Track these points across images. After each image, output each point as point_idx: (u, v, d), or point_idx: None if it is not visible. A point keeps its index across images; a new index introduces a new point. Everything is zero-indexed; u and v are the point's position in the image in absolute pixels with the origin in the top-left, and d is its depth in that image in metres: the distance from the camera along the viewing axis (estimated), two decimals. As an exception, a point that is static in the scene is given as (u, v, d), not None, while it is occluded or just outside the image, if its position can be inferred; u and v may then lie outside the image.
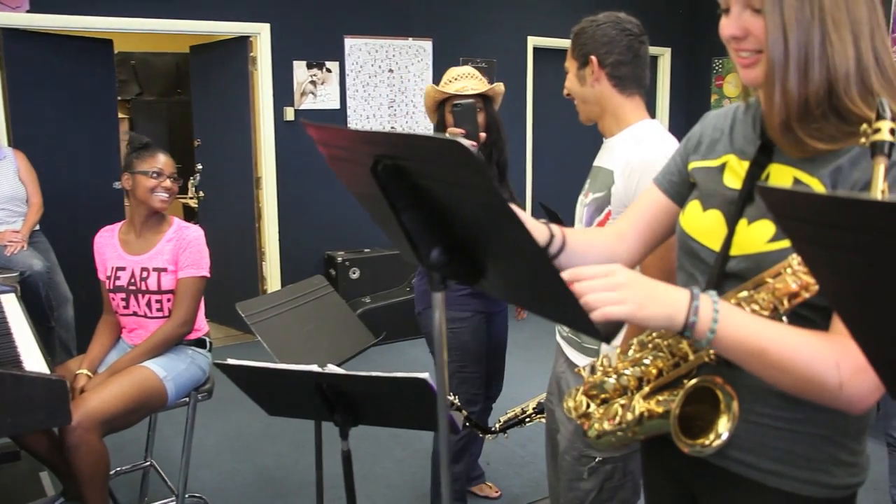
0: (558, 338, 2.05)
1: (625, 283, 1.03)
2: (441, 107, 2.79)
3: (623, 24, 1.84)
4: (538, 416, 2.47)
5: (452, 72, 2.82)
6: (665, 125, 5.90)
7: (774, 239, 1.12)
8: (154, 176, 2.71)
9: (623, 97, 1.87)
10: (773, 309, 1.06)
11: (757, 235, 1.15)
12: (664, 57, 7.19)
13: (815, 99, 1.09)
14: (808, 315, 1.10)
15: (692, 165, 1.33)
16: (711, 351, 1.10)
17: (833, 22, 1.07)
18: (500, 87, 2.82)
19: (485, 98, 2.76)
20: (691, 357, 1.15)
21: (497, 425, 2.49)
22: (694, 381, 1.13)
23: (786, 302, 1.06)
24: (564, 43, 6.79)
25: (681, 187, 1.37)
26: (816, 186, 1.10)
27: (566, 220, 2.32)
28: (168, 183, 2.74)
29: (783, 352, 1.02)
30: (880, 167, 0.93)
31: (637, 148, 1.80)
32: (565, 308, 0.99)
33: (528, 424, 2.59)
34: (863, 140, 0.97)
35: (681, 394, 1.12)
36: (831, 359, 1.02)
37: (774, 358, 1.03)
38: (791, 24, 1.07)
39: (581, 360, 1.87)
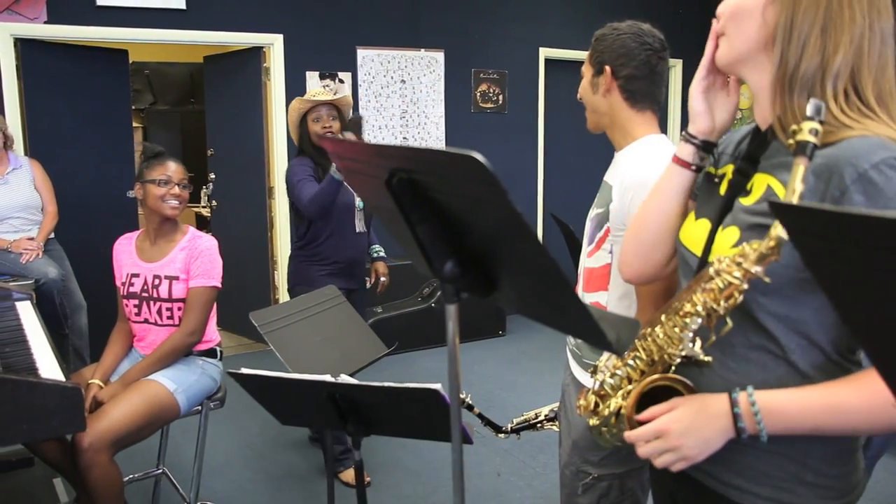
0: (567, 350, 2.05)
1: (679, 442, 1.14)
2: (303, 120, 3.42)
3: (644, 37, 1.79)
4: (550, 423, 2.47)
5: (312, 90, 3.60)
6: (676, 137, 5.88)
7: (738, 244, 1.13)
8: (162, 184, 2.72)
9: (633, 111, 1.82)
10: (711, 310, 1.10)
11: (725, 241, 1.17)
12: (676, 68, 7.20)
13: (803, 76, 1.11)
14: (767, 325, 1.14)
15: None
16: (682, 351, 1.15)
17: (835, 22, 1.10)
18: (348, 98, 3.56)
19: (337, 108, 3.46)
20: (656, 358, 1.19)
21: (510, 426, 2.50)
22: (651, 378, 1.18)
23: (723, 302, 1.09)
24: (576, 54, 6.79)
25: None
26: (780, 192, 1.12)
27: (578, 232, 2.33)
28: (177, 190, 2.74)
29: (836, 421, 1.08)
30: (799, 168, 0.96)
31: (635, 165, 1.75)
32: (578, 321, 1.00)
33: (540, 430, 2.60)
34: (790, 140, 0.99)
35: (633, 392, 1.18)
36: (881, 395, 1.03)
37: (832, 429, 1.09)
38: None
39: (581, 375, 1.87)
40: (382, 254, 3.84)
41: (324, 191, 3.25)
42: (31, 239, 4.19)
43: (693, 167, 1.29)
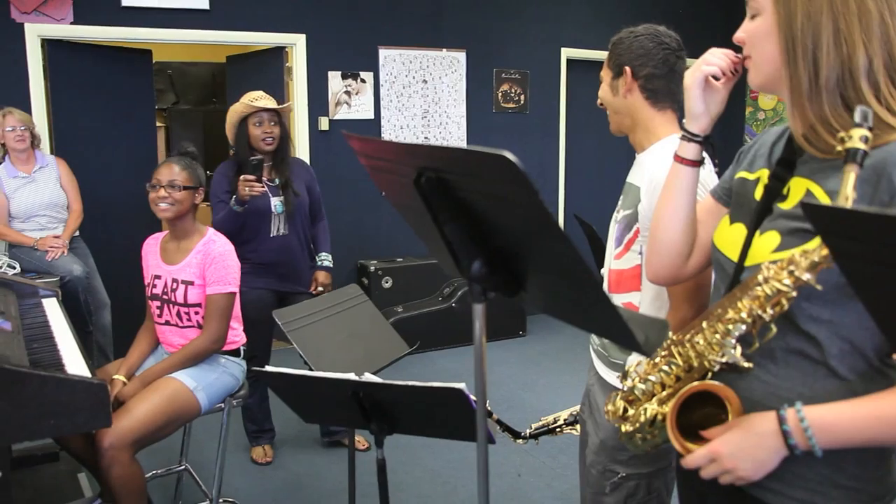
0: (591, 350, 2.05)
1: (731, 465, 1.15)
2: (243, 122, 3.50)
3: (661, 38, 1.82)
4: (569, 427, 2.47)
5: (252, 94, 3.53)
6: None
7: (779, 249, 1.13)
8: (152, 188, 2.73)
9: (654, 111, 1.83)
10: (757, 317, 1.10)
11: (764, 245, 1.16)
12: (698, 68, 7.13)
13: (827, 86, 1.10)
14: (812, 331, 1.13)
15: (737, 175, 1.36)
16: (723, 357, 1.14)
17: (844, 20, 1.08)
18: (290, 106, 3.69)
19: (279, 114, 3.50)
20: (695, 364, 1.18)
21: (528, 431, 2.50)
22: (692, 385, 1.17)
23: (769, 309, 1.08)
24: (598, 54, 6.76)
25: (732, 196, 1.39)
26: (822, 198, 1.12)
27: (600, 232, 2.32)
28: (163, 192, 2.71)
29: (889, 432, 1.07)
30: (850, 175, 0.96)
31: (662, 164, 1.72)
32: (606, 321, 0.99)
33: (559, 435, 2.60)
34: (839, 148, 0.98)
35: (674, 399, 1.17)
36: None
37: (885, 440, 1.08)
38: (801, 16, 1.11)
39: (608, 374, 1.87)
40: (327, 263, 3.70)
41: (223, 221, 3.35)
42: (57, 237, 4.25)
43: (698, 164, 1.37)
